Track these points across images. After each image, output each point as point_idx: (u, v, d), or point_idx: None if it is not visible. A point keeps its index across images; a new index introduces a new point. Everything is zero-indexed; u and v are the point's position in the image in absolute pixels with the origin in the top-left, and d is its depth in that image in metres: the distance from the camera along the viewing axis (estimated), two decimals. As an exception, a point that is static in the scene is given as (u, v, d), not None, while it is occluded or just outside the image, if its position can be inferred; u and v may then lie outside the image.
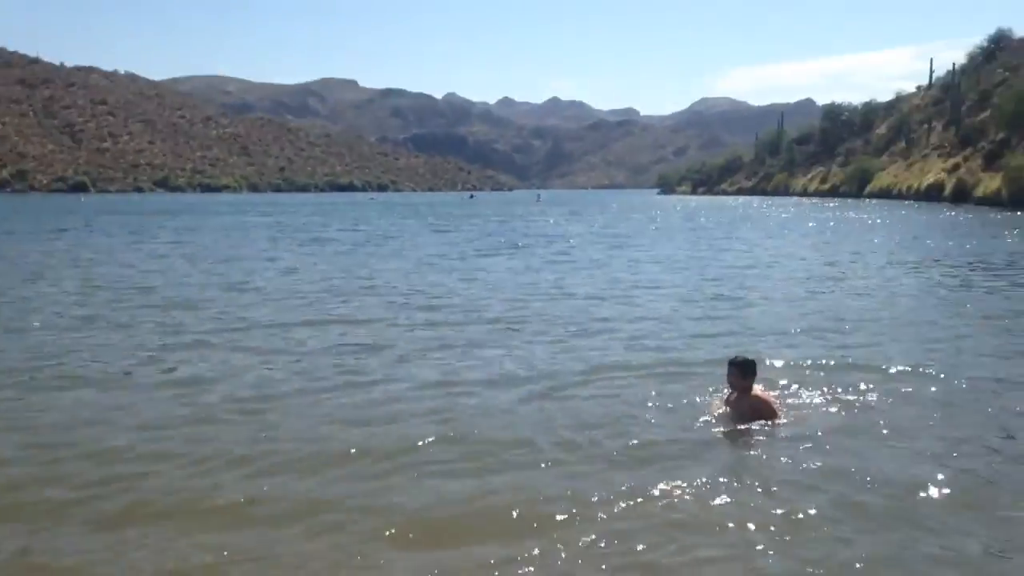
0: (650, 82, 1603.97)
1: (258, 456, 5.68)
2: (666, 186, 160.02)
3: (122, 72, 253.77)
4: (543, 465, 5.48)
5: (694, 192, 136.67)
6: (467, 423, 6.43)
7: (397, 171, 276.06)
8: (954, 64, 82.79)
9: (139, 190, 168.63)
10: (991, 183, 53.37)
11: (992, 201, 51.10)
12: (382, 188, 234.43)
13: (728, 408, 6.46)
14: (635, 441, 5.93)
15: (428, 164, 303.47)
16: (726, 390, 6.66)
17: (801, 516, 4.63)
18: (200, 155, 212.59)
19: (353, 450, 5.77)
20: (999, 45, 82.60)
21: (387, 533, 4.47)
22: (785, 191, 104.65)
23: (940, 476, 5.20)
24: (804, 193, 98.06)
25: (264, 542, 4.40)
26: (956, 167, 62.92)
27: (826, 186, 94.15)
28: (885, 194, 74.68)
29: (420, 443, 5.89)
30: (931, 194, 63.64)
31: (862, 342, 9.56)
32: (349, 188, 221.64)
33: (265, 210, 65.38)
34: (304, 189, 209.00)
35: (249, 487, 5.11)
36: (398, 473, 5.35)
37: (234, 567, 4.13)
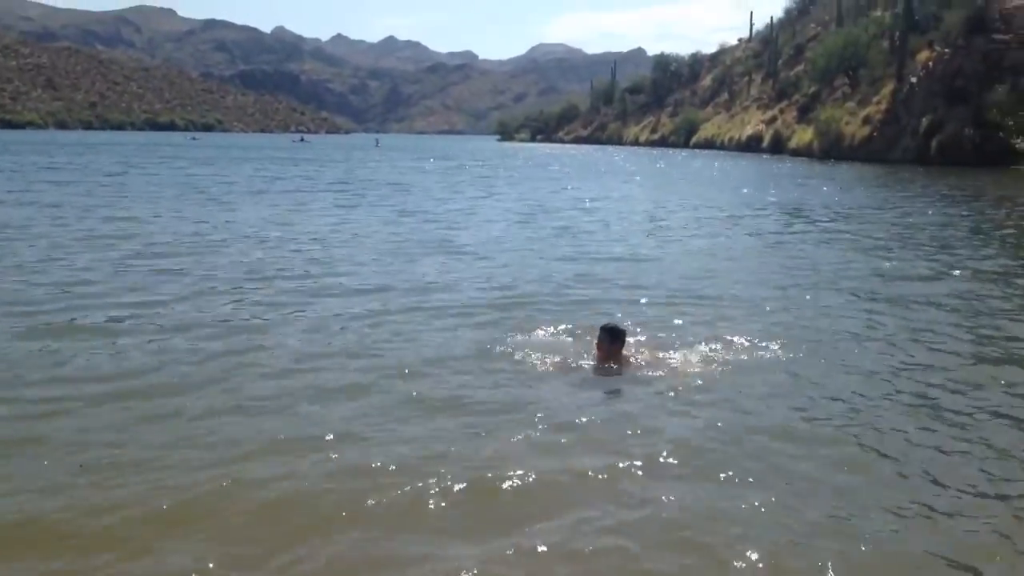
0: (487, 25, 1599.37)
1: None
2: (505, 133, 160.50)
3: None
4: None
5: (533, 139, 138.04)
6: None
7: (224, 110, 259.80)
8: (772, 17, 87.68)
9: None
10: (803, 135, 57.35)
11: (805, 152, 54.96)
12: (208, 128, 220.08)
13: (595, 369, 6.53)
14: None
15: (258, 103, 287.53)
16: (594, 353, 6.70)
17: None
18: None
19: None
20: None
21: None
22: (619, 140, 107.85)
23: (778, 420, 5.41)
24: (636, 143, 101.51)
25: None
26: (773, 119, 67.10)
27: (656, 136, 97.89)
28: (710, 144, 78.62)
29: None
30: (751, 144, 67.64)
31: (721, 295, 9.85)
32: (170, 127, 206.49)
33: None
34: (119, 127, 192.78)
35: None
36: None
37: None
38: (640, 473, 4.56)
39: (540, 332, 7.56)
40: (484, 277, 10.55)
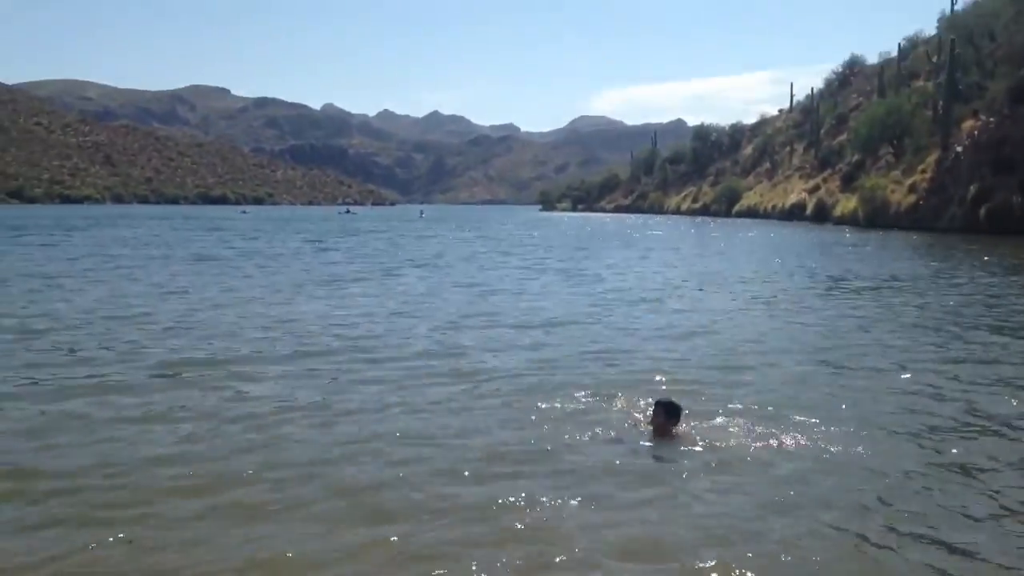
0: (529, 99, 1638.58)
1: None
2: (547, 203, 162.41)
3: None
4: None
5: (574, 209, 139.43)
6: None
7: (274, 184, 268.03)
8: (812, 88, 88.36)
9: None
10: (848, 203, 56.87)
11: (849, 220, 54.42)
12: (258, 201, 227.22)
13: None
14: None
15: (307, 177, 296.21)
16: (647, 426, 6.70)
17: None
18: (58, 164, 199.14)
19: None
20: (852, 71, 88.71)
21: None
22: (660, 209, 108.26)
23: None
24: (677, 211, 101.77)
25: None
26: (816, 188, 66.82)
27: (697, 204, 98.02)
28: (752, 213, 78.37)
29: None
30: (794, 213, 67.25)
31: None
32: (222, 201, 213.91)
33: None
34: (174, 201, 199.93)
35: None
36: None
37: None
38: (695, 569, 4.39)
39: (594, 406, 7.50)
40: (535, 347, 10.58)
